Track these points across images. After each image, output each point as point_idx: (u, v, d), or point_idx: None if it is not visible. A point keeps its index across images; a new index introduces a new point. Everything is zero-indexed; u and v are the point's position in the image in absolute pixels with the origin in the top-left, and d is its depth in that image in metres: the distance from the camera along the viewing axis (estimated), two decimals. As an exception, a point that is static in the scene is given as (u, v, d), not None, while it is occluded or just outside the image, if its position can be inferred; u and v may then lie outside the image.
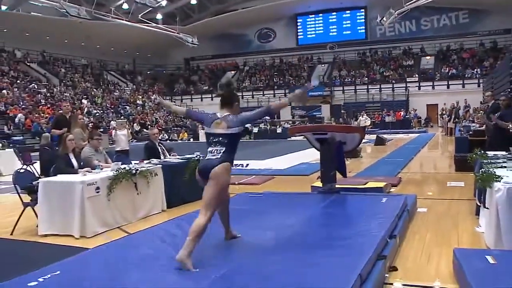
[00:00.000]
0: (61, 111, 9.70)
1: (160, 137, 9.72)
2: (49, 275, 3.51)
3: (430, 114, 35.63)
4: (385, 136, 21.62)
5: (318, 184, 7.44)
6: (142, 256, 4.17)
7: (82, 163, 6.86)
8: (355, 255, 3.79)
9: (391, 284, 3.91)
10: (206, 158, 4.18)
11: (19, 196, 6.34)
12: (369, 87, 37.68)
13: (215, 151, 4.12)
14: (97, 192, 5.99)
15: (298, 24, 43.54)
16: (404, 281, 3.95)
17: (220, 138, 4.12)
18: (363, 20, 41.59)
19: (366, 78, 38.61)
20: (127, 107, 35.63)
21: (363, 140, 8.78)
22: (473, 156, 6.72)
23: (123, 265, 3.96)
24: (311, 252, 3.99)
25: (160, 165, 7.42)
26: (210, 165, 4.05)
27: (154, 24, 33.14)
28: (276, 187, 9.07)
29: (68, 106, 10.50)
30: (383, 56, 40.88)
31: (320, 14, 42.74)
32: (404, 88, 36.57)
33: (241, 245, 4.38)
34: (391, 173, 10.37)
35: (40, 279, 3.44)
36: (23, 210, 6.26)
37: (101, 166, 6.82)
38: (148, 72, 46.45)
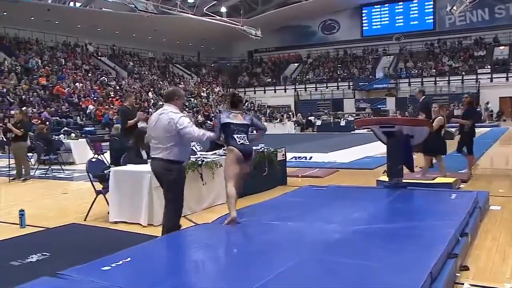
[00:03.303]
0: (125, 104, 9.77)
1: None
2: (120, 261, 3.64)
3: (504, 107, 33.86)
4: (453, 130, 20.79)
5: (384, 178, 7.28)
6: (209, 246, 4.24)
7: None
8: (425, 252, 3.67)
9: (462, 284, 3.75)
10: (240, 143, 5.06)
11: (92, 184, 6.63)
12: (436, 79, 36.29)
13: (242, 137, 5.09)
14: (165, 182, 6.14)
15: (363, 15, 42.60)
16: (476, 282, 3.78)
17: (242, 128, 5.12)
18: (432, 10, 40.06)
19: (434, 70, 37.23)
20: (192, 99, 36.36)
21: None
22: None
23: (191, 254, 4.05)
24: (379, 247, 3.91)
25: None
26: (250, 149, 5.15)
27: (218, 17, 33.46)
28: (340, 181, 8.96)
29: (132, 98, 10.63)
30: (452, 46, 39.23)
31: (386, 4, 41.62)
32: (474, 80, 34.94)
33: (305, 239, 4.35)
34: (461, 169, 9.96)
35: (113, 265, 3.57)
36: (96, 197, 6.54)
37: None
38: (212, 65, 47.15)
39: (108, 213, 6.25)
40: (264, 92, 41.37)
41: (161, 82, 37.00)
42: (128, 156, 6.79)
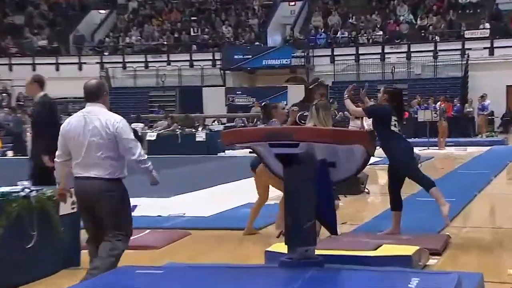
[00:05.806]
0: None
1: None
2: None
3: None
4: (416, 151, 21.95)
5: (280, 247, 7.51)
6: None
7: None
8: None
9: None
10: None
11: None
12: (385, 51, 37.84)
13: None
14: None
15: None
16: None
17: None
18: None
19: (380, 32, 38.85)
20: None
21: (372, 159, 8.88)
22: None
23: None
24: None
25: None
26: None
27: None
28: (192, 254, 9.16)
29: None
30: (414, -13, 41.46)
31: None
32: (459, 52, 36.82)
33: None
34: (429, 228, 10.56)
35: None
36: None
37: None
38: None
39: None
40: (34, 70, 40.67)
41: None
42: None
